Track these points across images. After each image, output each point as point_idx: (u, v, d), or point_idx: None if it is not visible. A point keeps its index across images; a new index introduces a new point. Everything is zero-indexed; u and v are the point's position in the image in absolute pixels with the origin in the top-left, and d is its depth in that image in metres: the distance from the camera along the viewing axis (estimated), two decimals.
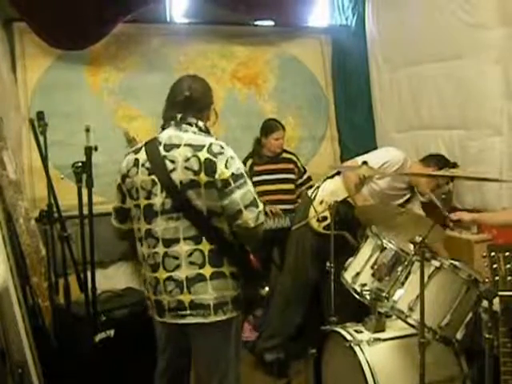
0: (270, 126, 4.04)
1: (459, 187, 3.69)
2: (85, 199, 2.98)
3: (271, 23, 4.49)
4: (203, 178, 2.08)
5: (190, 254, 2.13)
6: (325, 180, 3.62)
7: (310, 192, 3.63)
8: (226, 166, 2.09)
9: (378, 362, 2.41)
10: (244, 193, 2.10)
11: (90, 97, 3.96)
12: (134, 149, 2.29)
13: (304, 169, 4.21)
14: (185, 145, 2.13)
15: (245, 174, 2.14)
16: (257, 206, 2.12)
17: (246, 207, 2.09)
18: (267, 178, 4.02)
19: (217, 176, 2.07)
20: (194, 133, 2.19)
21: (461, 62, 3.62)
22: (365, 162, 3.21)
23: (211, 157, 2.09)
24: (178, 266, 2.14)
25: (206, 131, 2.24)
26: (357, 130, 4.65)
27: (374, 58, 4.46)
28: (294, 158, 4.18)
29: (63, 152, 3.63)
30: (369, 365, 2.38)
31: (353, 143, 4.62)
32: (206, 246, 2.13)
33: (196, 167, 2.08)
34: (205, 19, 4.26)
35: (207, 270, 2.14)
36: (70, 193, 3.15)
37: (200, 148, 2.11)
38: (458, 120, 3.71)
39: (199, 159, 2.09)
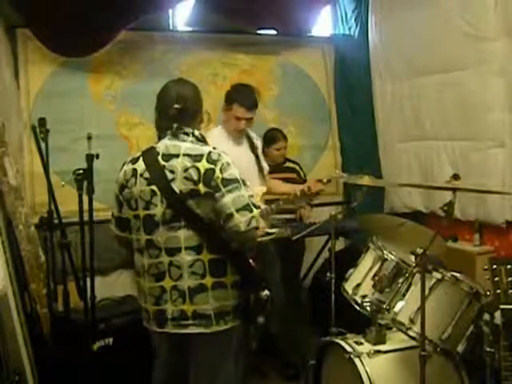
0: (271, 137, 4.00)
1: (461, 199, 3.68)
2: (85, 206, 2.97)
3: (274, 32, 4.49)
4: (202, 188, 2.09)
5: (192, 265, 2.13)
6: None
7: None
8: (220, 170, 2.10)
9: (378, 375, 2.40)
10: (236, 197, 2.09)
11: (92, 104, 3.96)
12: (130, 158, 2.29)
13: (305, 178, 4.16)
14: (183, 155, 2.13)
15: (239, 180, 2.13)
16: (250, 211, 2.10)
17: (238, 210, 2.08)
18: None
19: (213, 183, 2.09)
20: (192, 142, 2.19)
21: (463, 74, 3.62)
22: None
23: (210, 165, 2.10)
24: (180, 276, 2.14)
25: (203, 140, 2.25)
26: (359, 140, 4.64)
27: (377, 67, 4.47)
28: (297, 168, 4.16)
29: (64, 158, 3.63)
30: (369, 377, 2.37)
31: (355, 153, 4.63)
32: (206, 256, 2.14)
33: (195, 177, 2.09)
34: (207, 27, 4.27)
35: (208, 281, 2.14)
36: (71, 199, 3.14)
37: (199, 158, 2.12)
38: (460, 131, 3.71)
39: (199, 170, 2.09)
